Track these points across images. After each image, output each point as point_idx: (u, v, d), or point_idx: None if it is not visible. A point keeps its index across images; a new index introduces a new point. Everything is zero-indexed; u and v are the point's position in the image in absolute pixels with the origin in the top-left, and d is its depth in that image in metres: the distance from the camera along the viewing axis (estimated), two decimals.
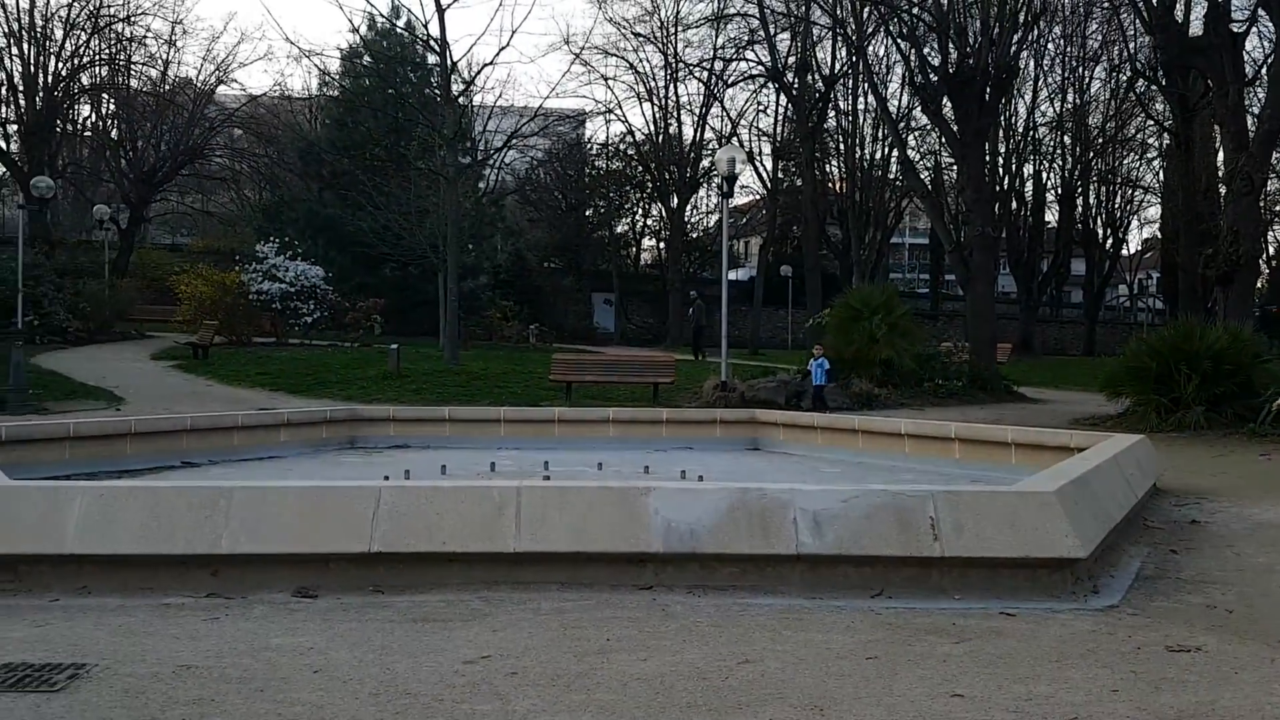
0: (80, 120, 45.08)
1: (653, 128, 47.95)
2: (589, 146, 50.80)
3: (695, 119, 47.26)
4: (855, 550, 5.68)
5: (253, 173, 46.68)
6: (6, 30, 37.17)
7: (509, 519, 6.01)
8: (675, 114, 47.39)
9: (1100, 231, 53.28)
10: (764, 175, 47.80)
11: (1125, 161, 52.20)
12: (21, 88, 37.72)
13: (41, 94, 37.55)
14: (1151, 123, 44.86)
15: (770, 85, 45.11)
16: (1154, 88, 37.02)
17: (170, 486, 6.34)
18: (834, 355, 19.62)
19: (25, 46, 37.49)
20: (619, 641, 4.90)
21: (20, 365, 16.58)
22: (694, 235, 51.45)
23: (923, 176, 40.53)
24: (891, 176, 45.56)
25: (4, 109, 38.68)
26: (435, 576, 6.05)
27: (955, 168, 33.51)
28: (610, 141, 50.04)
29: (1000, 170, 45.46)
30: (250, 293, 30.24)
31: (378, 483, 6.53)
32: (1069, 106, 48.43)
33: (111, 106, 43.82)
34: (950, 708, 4.08)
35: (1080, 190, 50.71)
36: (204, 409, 15.91)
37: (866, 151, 46.23)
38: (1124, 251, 59.25)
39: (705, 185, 48.46)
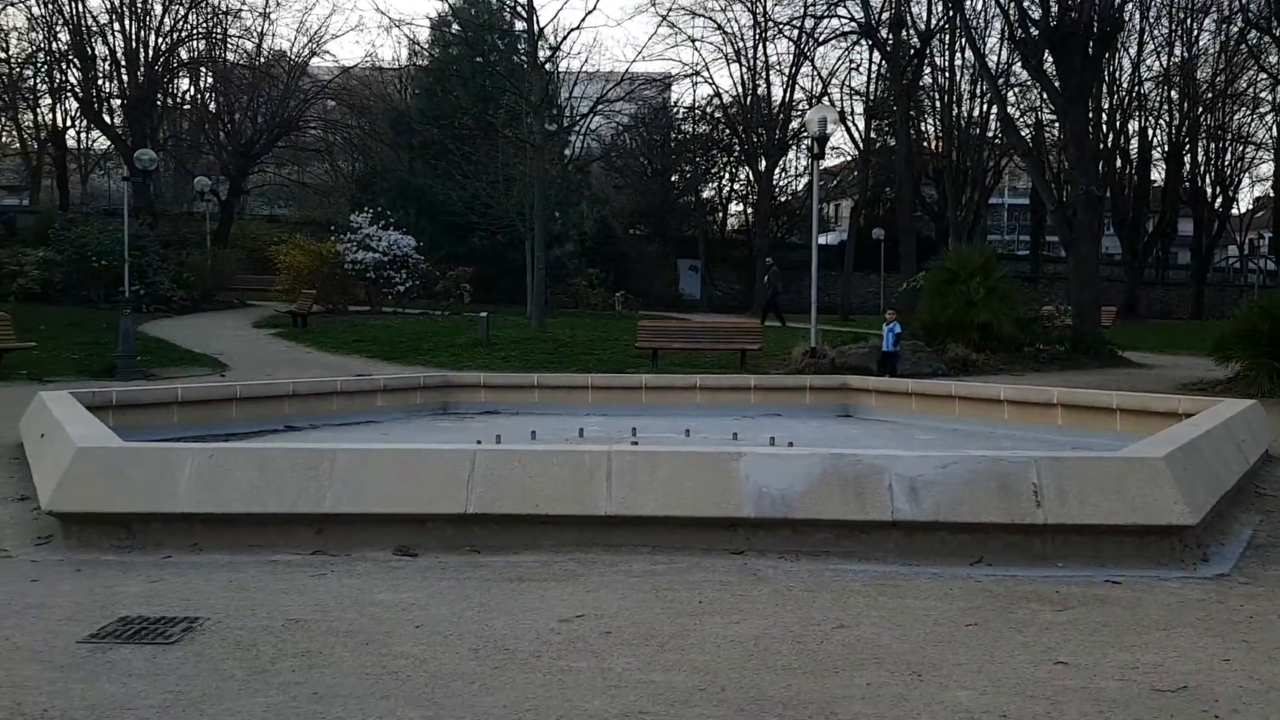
0: (180, 94, 46.45)
1: (740, 89, 47.23)
2: (675, 110, 50.35)
3: (784, 79, 46.40)
4: (953, 517, 5.58)
5: (345, 144, 47.57)
6: (109, 7, 38.44)
7: (600, 483, 6.06)
8: (764, 74, 46.59)
9: (1209, 190, 51.03)
10: (856, 136, 46.84)
11: (1236, 117, 49.77)
12: (124, 63, 38.99)
13: (142, 69, 38.75)
14: (1264, 76, 42.64)
15: (863, 42, 43.98)
16: (1267, 39, 35.12)
17: (276, 448, 6.54)
18: (929, 320, 19.21)
19: (127, 23, 38.71)
20: (711, 604, 4.91)
21: (129, 333, 17.24)
22: (782, 199, 50.75)
23: (1023, 134, 39.20)
24: (990, 134, 44.11)
25: (107, 84, 40.07)
26: (528, 538, 6.15)
27: (1057, 125, 32.35)
28: (697, 105, 49.53)
29: (1104, 127, 43.68)
30: (345, 262, 30.94)
31: (472, 446, 6.63)
32: (1176, 60, 46.30)
33: (209, 80, 45.05)
34: (1054, 675, 3.99)
35: (1188, 147, 48.57)
36: (304, 375, 16.35)
37: (963, 109, 44.81)
38: (1234, 211, 56.65)
39: (794, 147, 47.68)
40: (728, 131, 47.81)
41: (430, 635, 4.46)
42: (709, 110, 48.25)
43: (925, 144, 46.86)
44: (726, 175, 51.32)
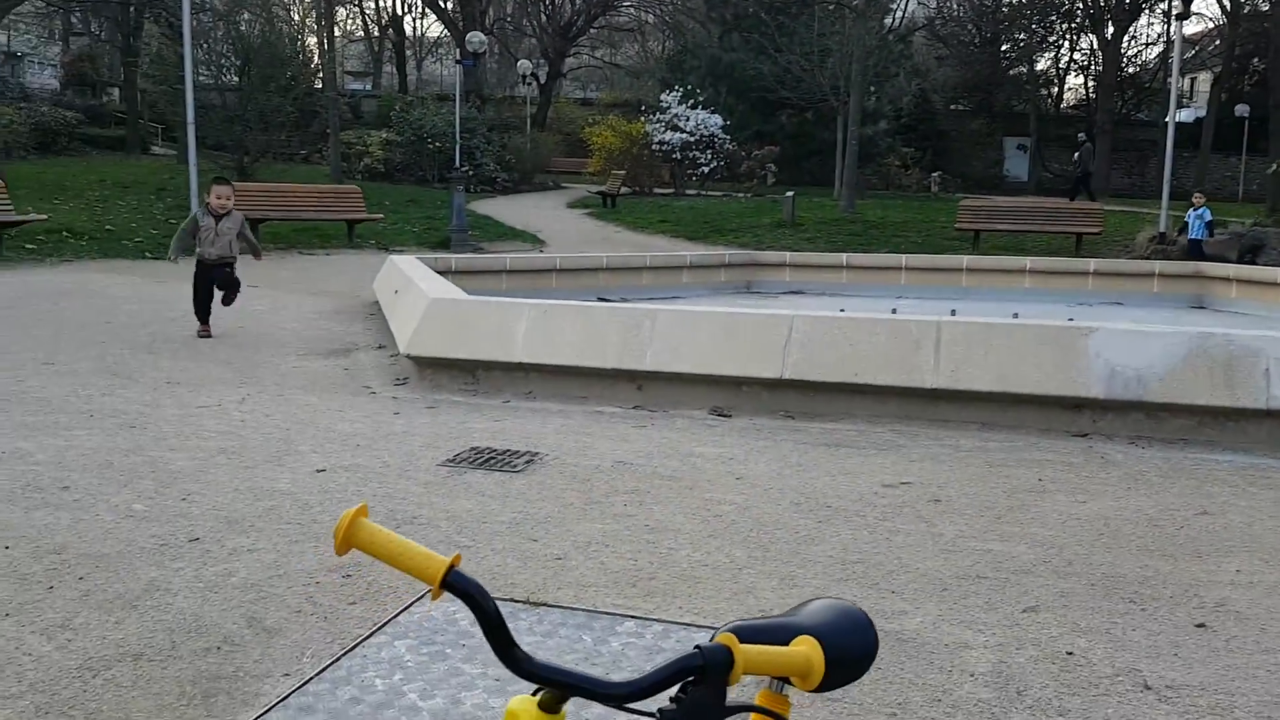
0: None
1: None
2: None
3: None
4: None
5: (658, 22, 47.88)
6: None
7: (927, 354, 5.80)
8: None
9: None
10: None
11: None
12: None
13: None
14: None
15: None
16: None
17: (602, 306, 6.79)
18: None
19: None
20: (1053, 483, 4.59)
21: (462, 208, 18.54)
22: (1129, 71, 45.61)
23: None
24: None
25: None
26: (845, 407, 6.04)
27: None
28: None
29: None
30: (653, 143, 31.44)
31: (791, 311, 6.55)
32: None
33: None
34: None
35: None
36: (614, 251, 16.93)
37: None
38: None
39: (1148, 11, 42.47)
40: None
41: (750, 487, 4.50)
42: None
43: None
44: (1066, 44, 46.58)
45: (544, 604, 3.20)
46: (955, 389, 5.62)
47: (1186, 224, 15.75)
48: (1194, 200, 15.96)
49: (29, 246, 13.05)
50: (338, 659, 2.80)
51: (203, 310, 8.19)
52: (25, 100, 30.61)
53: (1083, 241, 17.28)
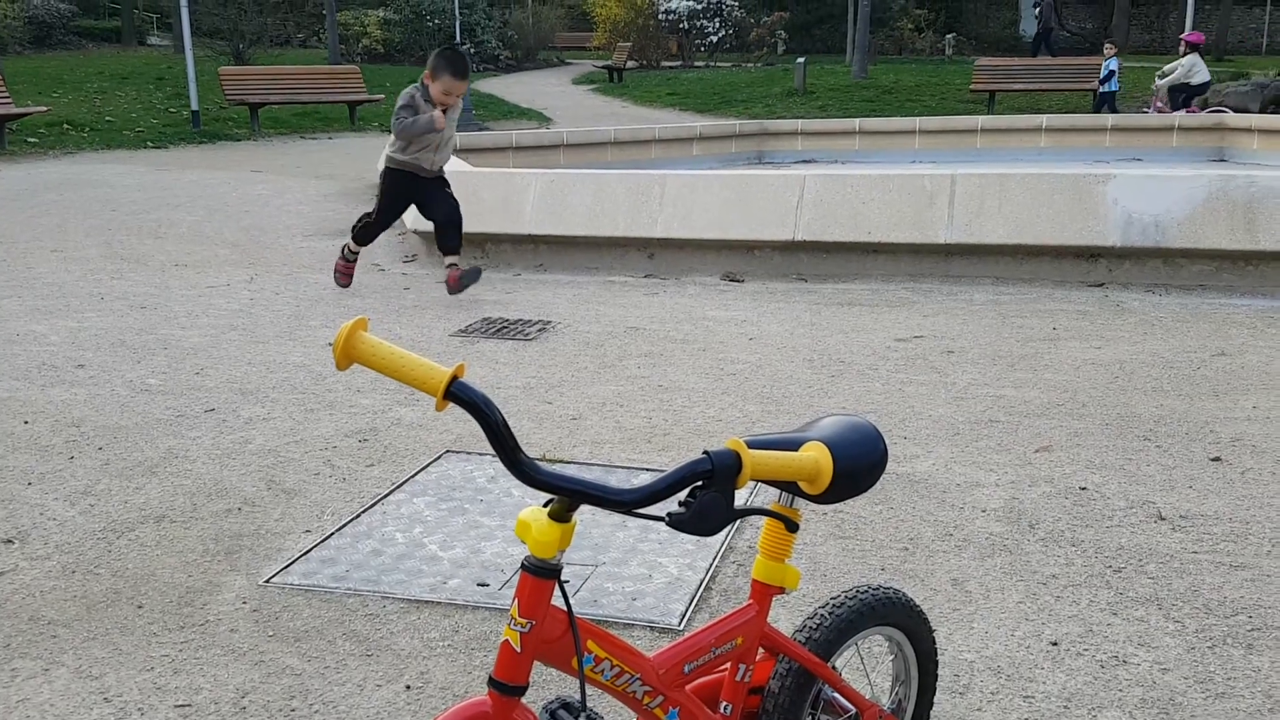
0: None
1: None
2: None
3: None
4: None
5: None
6: None
7: (940, 209, 5.70)
8: None
9: None
10: None
11: None
12: None
13: None
14: None
15: None
16: None
17: (611, 173, 6.66)
18: None
19: None
20: (1067, 331, 4.56)
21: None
22: None
23: None
24: None
25: None
26: (858, 267, 5.97)
27: None
28: None
29: None
30: (659, 13, 30.53)
31: (802, 170, 6.42)
32: None
33: None
34: None
35: None
36: (622, 126, 16.60)
37: None
38: None
39: None
40: None
41: (763, 346, 4.48)
42: None
43: None
44: None
45: (560, 460, 3.22)
46: (969, 243, 5.54)
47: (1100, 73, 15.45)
48: (1105, 50, 15.66)
49: (30, 140, 12.89)
50: (357, 515, 2.84)
51: (371, 236, 5.67)
52: None
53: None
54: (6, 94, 12.84)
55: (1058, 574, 2.45)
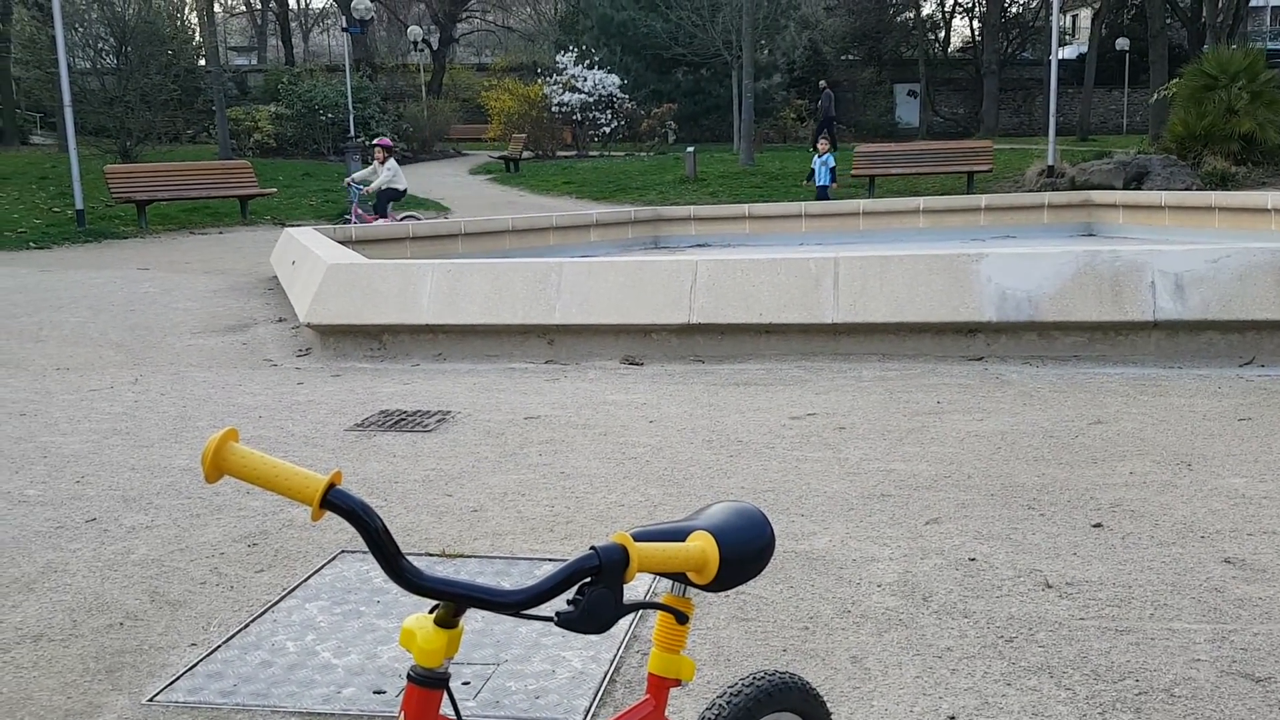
0: None
1: None
2: None
3: None
4: (1223, 315, 5.08)
5: None
6: None
7: (827, 290, 5.89)
8: None
9: None
10: None
11: None
12: None
13: None
14: None
15: None
16: None
17: (508, 262, 6.71)
18: (1182, 132, 17.33)
19: None
20: (951, 404, 4.72)
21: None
22: (1014, 11, 46.55)
23: None
24: None
25: None
26: (752, 348, 6.11)
27: None
28: None
29: None
30: (552, 105, 31.15)
31: (695, 256, 6.57)
32: None
33: None
34: None
35: None
36: (519, 215, 16.77)
37: None
38: None
39: None
40: None
41: (664, 429, 4.53)
42: None
43: None
44: None
45: (461, 555, 3.18)
46: (855, 322, 5.73)
47: (813, 171, 16.29)
48: (818, 147, 16.65)
49: None
50: (246, 625, 2.74)
51: None
52: None
53: (974, 180, 17.70)
54: None
55: (952, 646, 2.51)
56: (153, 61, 23.32)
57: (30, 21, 25.89)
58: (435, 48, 42.01)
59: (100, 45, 24.13)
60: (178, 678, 2.46)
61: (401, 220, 13.08)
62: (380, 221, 12.91)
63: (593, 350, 6.28)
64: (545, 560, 3.11)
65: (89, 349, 6.77)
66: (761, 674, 1.54)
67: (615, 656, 2.52)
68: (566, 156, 30.83)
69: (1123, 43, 40.95)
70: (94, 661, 2.55)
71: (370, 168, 13.59)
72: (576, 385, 5.53)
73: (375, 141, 13.88)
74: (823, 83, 31.64)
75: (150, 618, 2.79)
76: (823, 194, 15.90)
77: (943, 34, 50.16)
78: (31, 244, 12.92)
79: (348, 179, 13.75)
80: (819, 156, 16.26)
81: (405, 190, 13.85)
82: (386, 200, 13.30)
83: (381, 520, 1.07)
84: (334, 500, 1.07)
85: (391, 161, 13.41)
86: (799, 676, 1.58)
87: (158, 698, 2.36)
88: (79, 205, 14.40)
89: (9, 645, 2.64)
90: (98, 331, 7.39)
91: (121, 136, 23.01)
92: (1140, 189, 15.31)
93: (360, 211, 13.17)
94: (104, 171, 15.40)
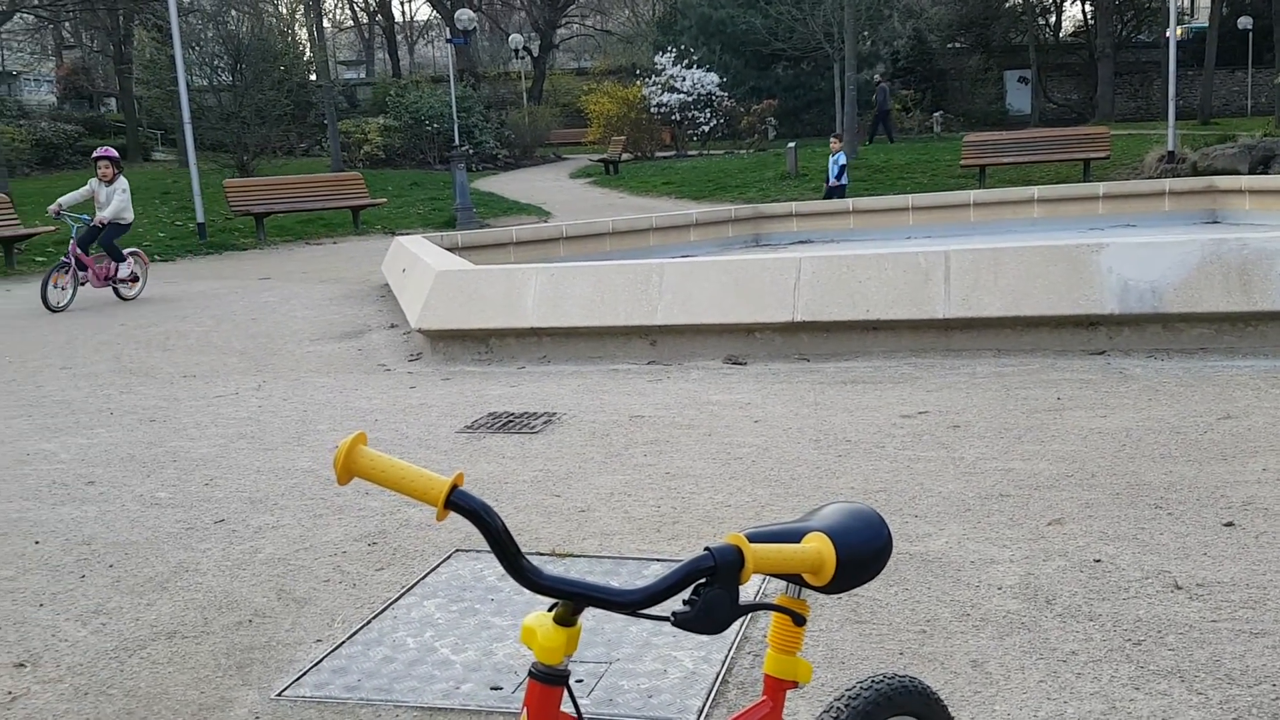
0: None
1: None
2: None
3: None
4: None
5: None
6: None
7: (937, 285, 5.76)
8: None
9: None
10: None
11: None
12: None
13: None
14: None
15: None
16: None
17: (609, 264, 6.76)
18: None
19: None
20: (1072, 400, 4.57)
21: (465, 186, 18.49)
22: None
23: None
24: None
25: None
26: (859, 345, 6.01)
27: None
28: None
29: None
30: (651, 106, 31.27)
31: (798, 253, 6.51)
32: None
33: None
34: None
35: None
36: (620, 216, 16.88)
37: None
38: None
39: None
40: None
41: (769, 429, 4.49)
42: None
43: None
44: None
45: (570, 554, 3.21)
46: (967, 317, 5.58)
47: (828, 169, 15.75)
48: (831, 145, 16.06)
49: (39, 259, 13.13)
50: (368, 622, 2.82)
51: None
52: (24, 118, 30.67)
53: (1090, 167, 17.08)
54: (14, 215, 13.11)
55: (1077, 650, 2.42)
56: (266, 78, 24.24)
57: (150, 43, 27.20)
58: (536, 54, 42.64)
59: (216, 64, 25.21)
60: (304, 673, 2.55)
61: (129, 256, 9.74)
62: (123, 269, 9.70)
63: (695, 350, 6.27)
64: (653, 560, 3.12)
65: (213, 356, 7.07)
66: (881, 676, 1.52)
67: (727, 657, 2.51)
68: (665, 157, 30.91)
69: (1245, 21, 38.97)
70: (225, 657, 2.66)
71: (86, 188, 9.86)
72: (680, 385, 5.53)
73: (99, 153, 9.94)
74: (877, 77, 31.06)
75: (277, 615, 2.90)
76: (833, 193, 15.65)
77: (1053, 18, 48.48)
78: (156, 256, 13.56)
79: (52, 206, 9.66)
80: (832, 155, 16.01)
81: (131, 223, 10.15)
82: (112, 236, 9.73)
83: (502, 521, 1.09)
84: (457, 501, 1.09)
85: (122, 180, 9.88)
86: (919, 680, 1.55)
87: (286, 692, 2.45)
88: (200, 219, 15.07)
89: (145, 642, 2.77)
90: (221, 340, 7.71)
91: (238, 151, 24.00)
92: (1267, 173, 14.53)
93: (80, 253, 9.50)
94: (223, 185, 16.08)
